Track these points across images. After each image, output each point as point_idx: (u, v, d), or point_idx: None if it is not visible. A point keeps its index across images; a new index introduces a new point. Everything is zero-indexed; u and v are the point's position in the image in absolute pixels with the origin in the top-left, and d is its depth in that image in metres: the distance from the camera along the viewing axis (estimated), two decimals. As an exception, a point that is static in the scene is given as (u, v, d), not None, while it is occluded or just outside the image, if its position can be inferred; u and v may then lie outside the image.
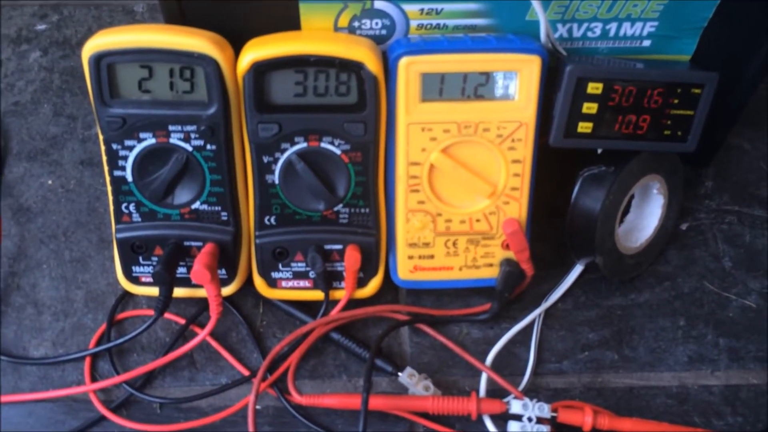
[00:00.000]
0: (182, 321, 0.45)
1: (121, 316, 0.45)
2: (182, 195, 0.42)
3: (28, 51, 0.60)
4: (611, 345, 0.45)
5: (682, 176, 0.47)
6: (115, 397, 0.42)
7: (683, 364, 0.44)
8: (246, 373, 0.43)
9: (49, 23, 0.62)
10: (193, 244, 0.43)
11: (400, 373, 0.42)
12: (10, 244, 0.49)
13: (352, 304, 0.44)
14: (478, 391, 0.42)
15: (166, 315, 0.45)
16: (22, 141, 0.54)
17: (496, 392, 0.42)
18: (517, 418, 0.40)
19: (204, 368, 0.44)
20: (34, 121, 0.55)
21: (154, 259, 0.44)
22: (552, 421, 0.40)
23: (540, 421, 0.40)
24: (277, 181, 0.42)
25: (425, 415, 0.41)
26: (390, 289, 0.46)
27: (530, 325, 0.45)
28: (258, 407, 0.42)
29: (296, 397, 0.41)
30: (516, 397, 0.41)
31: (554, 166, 0.44)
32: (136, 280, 0.45)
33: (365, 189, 0.43)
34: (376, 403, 0.41)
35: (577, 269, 0.47)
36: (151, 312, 0.43)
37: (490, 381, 0.43)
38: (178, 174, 0.42)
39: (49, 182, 0.52)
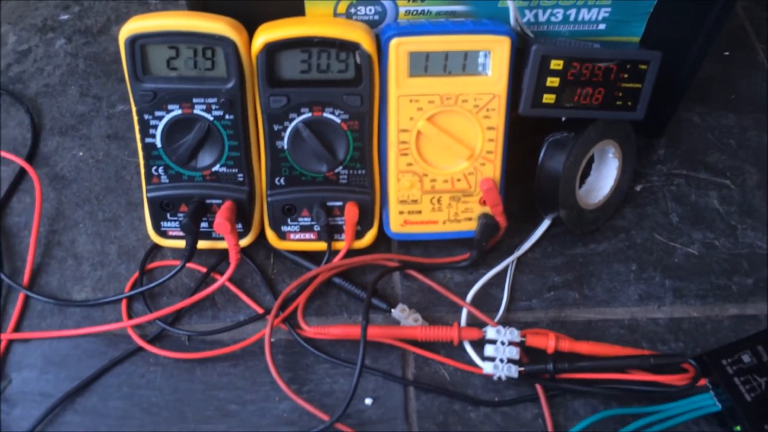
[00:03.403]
0: (204, 269, 0.52)
1: (150, 266, 0.52)
2: (204, 159, 0.49)
3: (53, 39, 0.67)
4: (573, 286, 0.52)
5: (635, 142, 0.54)
6: (149, 332, 0.49)
7: (634, 301, 0.51)
8: (261, 311, 0.50)
9: (71, 14, 0.69)
10: (214, 201, 0.50)
11: (393, 309, 0.50)
12: (50, 206, 0.55)
13: (351, 253, 0.51)
14: (459, 323, 0.49)
15: (189, 265, 0.51)
16: (53, 118, 0.61)
17: (474, 325, 0.49)
18: (492, 342, 0.47)
19: (224, 308, 0.51)
20: (63, 100, 0.62)
21: (180, 215, 0.50)
22: (521, 345, 0.47)
23: (511, 344, 0.47)
24: (286, 147, 0.49)
25: (415, 343, 0.49)
26: (383, 241, 0.53)
27: (504, 270, 0.52)
28: (272, 340, 0.49)
29: (305, 329, 0.48)
30: (491, 326, 0.48)
31: (524, 137, 0.51)
32: (164, 234, 0.51)
33: (362, 153, 0.50)
34: (373, 332, 0.48)
35: (545, 224, 0.54)
36: (177, 262, 0.50)
37: (470, 316, 0.50)
38: (201, 141, 0.49)
39: (80, 154, 0.59)
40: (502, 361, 0.47)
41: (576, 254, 0.54)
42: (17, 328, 0.49)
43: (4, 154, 0.57)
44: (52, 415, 0.46)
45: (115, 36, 0.66)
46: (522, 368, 0.47)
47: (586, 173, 0.54)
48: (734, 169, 0.58)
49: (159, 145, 0.49)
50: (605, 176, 0.54)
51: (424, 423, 0.46)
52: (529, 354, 0.48)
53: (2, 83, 0.62)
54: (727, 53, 0.65)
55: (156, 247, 0.53)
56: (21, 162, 0.56)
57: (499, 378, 0.47)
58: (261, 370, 0.48)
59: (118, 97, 0.62)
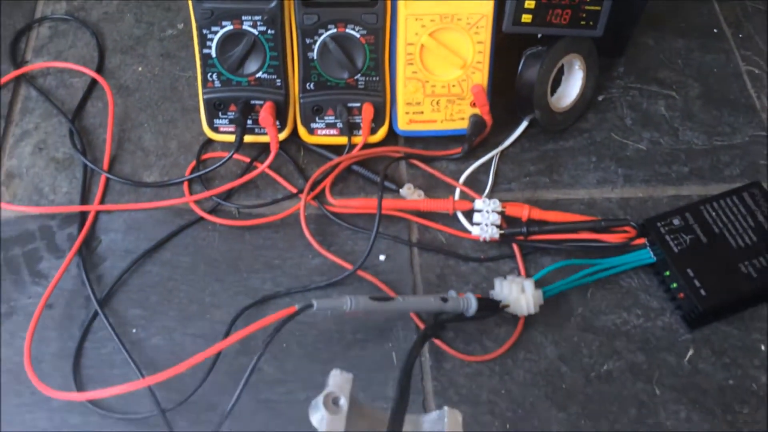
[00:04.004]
0: (248, 160, 0.64)
1: (204, 156, 0.65)
2: (250, 66, 0.61)
3: (107, -26, 0.77)
4: (545, 173, 0.65)
5: (596, 57, 0.66)
6: (207, 207, 0.62)
7: (593, 184, 0.64)
8: (294, 191, 0.63)
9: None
10: (257, 102, 0.62)
11: (400, 189, 0.62)
12: (118, 110, 0.67)
13: (367, 146, 0.64)
14: (454, 197, 0.62)
15: (236, 156, 0.63)
16: (114, 40, 0.72)
17: (465, 199, 0.62)
18: (479, 211, 0.60)
19: (265, 189, 0.63)
20: (121, 25, 0.73)
21: (230, 113, 0.62)
22: (502, 214, 0.60)
23: (494, 212, 0.59)
24: (315, 57, 0.61)
25: (418, 214, 0.61)
26: (393, 136, 0.65)
27: (489, 161, 0.65)
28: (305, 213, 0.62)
29: (331, 203, 0.61)
30: (478, 199, 0.60)
31: (508, 56, 0.63)
32: (216, 130, 0.64)
33: (376, 63, 0.61)
34: (386, 205, 0.60)
35: (523, 124, 0.66)
36: (226, 154, 0.62)
37: (462, 194, 0.62)
38: (248, 51, 0.60)
39: (140, 69, 0.70)
40: (486, 225, 0.59)
41: (548, 149, 0.66)
42: (102, 202, 0.62)
43: (78, 67, 0.69)
44: (135, 266, 0.59)
45: (161, -29, 0.77)
46: (502, 231, 0.59)
47: (557, 84, 0.66)
48: (679, 83, 0.70)
49: (214, 55, 0.60)
50: (572, 85, 0.66)
51: (426, 274, 0.59)
52: (507, 221, 0.61)
53: (69, 11, 0.73)
54: (680, -12, 0.77)
55: (208, 142, 0.65)
56: (93, 74, 0.68)
57: (484, 239, 0.60)
58: (296, 235, 0.61)
59: (167, 23, 0.73)
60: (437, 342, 0.56)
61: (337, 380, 0.40)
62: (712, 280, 0.56)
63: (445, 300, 0.53)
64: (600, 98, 0.69)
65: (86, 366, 0.55)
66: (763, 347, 0.56)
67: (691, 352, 0.56)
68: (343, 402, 0.39)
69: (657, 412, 0.53)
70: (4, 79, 0.68)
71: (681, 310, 0.58)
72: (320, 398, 0.38)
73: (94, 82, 0.68)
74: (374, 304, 0.51)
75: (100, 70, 0.69)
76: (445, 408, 0.41)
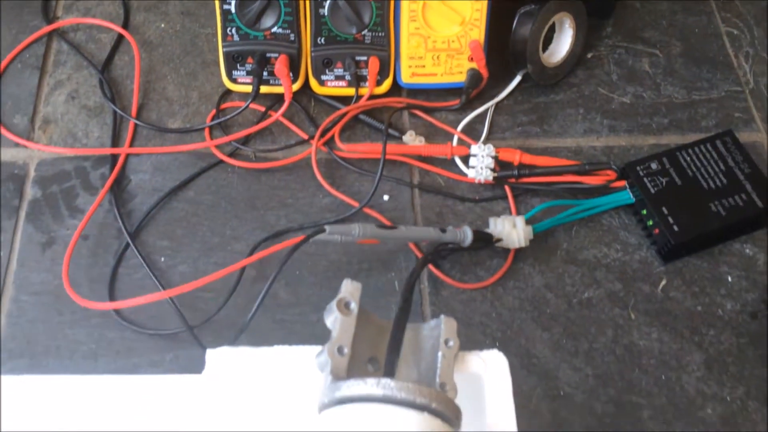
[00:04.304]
0: (263, 109, 0.70)
1: (223, 106, 0.70)
2: (266, 22, 0.66)
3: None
4: (536, 123, 0.70)
5: (585, 17, 0.71)
6: (226, 151, 0.67)
7: (580, 134, 0.70)
8: (306, 137, 0.68)
9: None
10: (272, 55, 0.67)
11: (403, 136, 0.68)
12: (144, 64, 0.73)
13: (373, 97, 0.69)
14: (452, 143, 0.67)
15: (252, 105, 0.69)
16: (138, -1, 0.78)
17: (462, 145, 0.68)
18: (474, 156, 0.65)
19: (279, 136, 0.69)
20: (143, -15, 0.79)
21: (247, 66, 0.68)
22: (495, 159, 0.66)
23: (488, 157, 0.65)
24: (326, 13, 0.66)
25: (419, 158, 0.67)
26: (396, 88, 0.71)
27: (485, 112, 0.70)
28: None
29: (340, 148, 0.67)
30: (474, 145, 0.66)
31: (504, 15, 0.69)
32: (234, 81, 0.69)
33: (382, 19, 0.67)
34: (389, 149, 0.66)
35: (517, 78, 0.72)
36: (243, 104, 0.68)
37: (459, 141, 0.68)
38: (264, 7, 0.65)
39: (162, 25, 0.75)
40: (481, 168, 0.65)
41: (539, 102, 0.72)
42: (131, 146, 0.68)
43: (105, 23, 0.74)
44: (162, 203, 0.65)
45: (179, -65, 0.82)
46: (495, 174, 0.65)
47: (549, 41, 0.72)
48: (663, 42, 0.76)
49: (233, 10, 0.65)
50: (563, 42, 0.71)
51: (426, 213, 0.65)
52: (500, 165, 0.66)
53: (95, -29, 0.79)
54: (667, -45, 0.82)
55: (227, 93, 0.71)
56: (120, 29, 0.73)
57: (479, 181, 0.65)
58: (308, 177, 0.66)
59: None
60: (436, 272, 0.62)
61: (349, 287, 0.46)
62: (684, 217, 0.62)
63: (443, 231, 0.59)
64: (589, 55, 0.75)
65: (120, 289, 0.61)
66: (729, 278, 0.62)
67: (664, 282, 0.62)
68: (354, 306, 0.45)
69: (631, 333, 0.60)
70: (38, 33, 0.74)
71: (656, 245, 0.64)
72: (334, 302, 0.44)
73: (120, 38, 0.74)
74: (380, 231, 0.57)
75: (125, 26, 0.75)
76: (442, 316, 0.47)
